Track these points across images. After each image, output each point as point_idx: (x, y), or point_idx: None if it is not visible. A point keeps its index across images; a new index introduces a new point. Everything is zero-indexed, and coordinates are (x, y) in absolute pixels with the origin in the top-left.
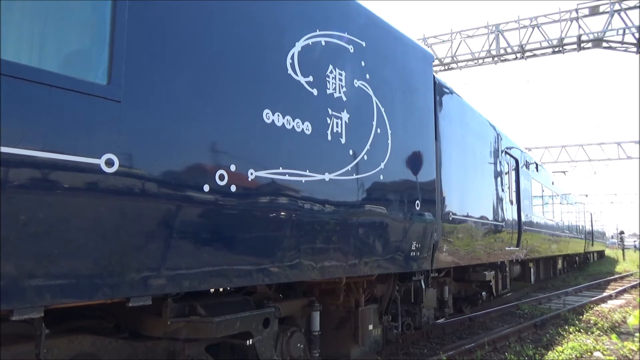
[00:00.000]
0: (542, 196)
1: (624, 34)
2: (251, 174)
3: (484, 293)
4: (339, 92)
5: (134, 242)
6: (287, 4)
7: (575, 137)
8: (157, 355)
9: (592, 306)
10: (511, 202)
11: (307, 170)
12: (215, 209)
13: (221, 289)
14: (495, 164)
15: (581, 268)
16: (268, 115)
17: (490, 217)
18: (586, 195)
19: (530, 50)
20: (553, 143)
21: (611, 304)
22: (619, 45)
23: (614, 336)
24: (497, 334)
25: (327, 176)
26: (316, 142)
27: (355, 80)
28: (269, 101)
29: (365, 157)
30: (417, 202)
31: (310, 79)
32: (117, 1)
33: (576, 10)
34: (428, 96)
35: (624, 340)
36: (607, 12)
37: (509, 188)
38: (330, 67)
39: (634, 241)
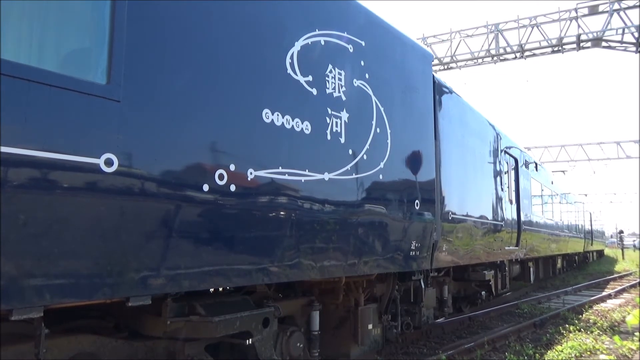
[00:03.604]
0: (541, 196)
1: (623, 33)
2: (250, 173)
3: (483, 292)
4: (339, 92)
5: (134, 241)
6: (286, 3)
7: (574, 136)
8: (156, 355)
9: (591, 305)
10: (510, 202)
11: (307, 170)
12: (215, 208)
13: (221, 289)
14: (494, 163)
15: (580, 267)
16: (267, 115)
17: (490, 216)
18: (585, 195)
19: (530, 50)
20: (552, 142)
21: (610, 303)
22: (618, 44)
23: (616, 338)
24: (497, 334)
25: (326, 176)
26: (315, 142)
27: (354, 80)
28: (269, 101)
29: (365, 157)
30: (417, 201)
31: (310, 78)
32: (117, 1)
33: (575, 10)
34: (427, 96)
35: (623, 339)
36: (607, 12)
37: (508, 187)
38: (330, 66)
39: (633, 240)
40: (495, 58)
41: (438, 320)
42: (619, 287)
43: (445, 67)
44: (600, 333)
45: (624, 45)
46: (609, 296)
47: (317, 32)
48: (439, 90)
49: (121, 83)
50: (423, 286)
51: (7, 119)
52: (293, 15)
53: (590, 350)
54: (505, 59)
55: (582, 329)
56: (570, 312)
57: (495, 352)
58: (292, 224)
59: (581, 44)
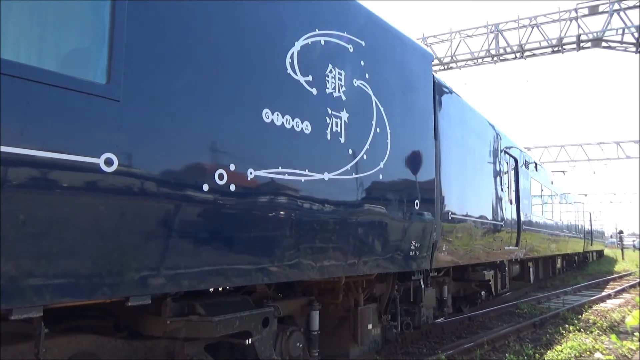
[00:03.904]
0: (541, 196)
1: (623, 33)
2: (250, 173)
3: (483, 292)
4: (339, 92)
5: (133, 241)
6: (286, 3)
7: (574, 136)
8: (156, 355)
9: (591, 305)
10: (510, 202)
11: (307, 170)
12: (215, 208)
13: (220, 289)
14: (494, 163)
15: (580, 267)
16: (267, 115)
17: (490, 216)
18: (585, 195)
19: (530, 50)
20: (552, 142)
21: (610, 303)
22: (618, 44)
23: (613, 336)
24: (496, 334)
25: (326, 175)
26: (315, 142)
27: (354, 80)
28: (269, 100)
29: (365, 157)
30: (417, 201)
31: (310, 78)
32: (117, 1)
33: (575, 10)
34: (427, 96)
35: (622, 339)
36: (607, 12)
37: (508, 187)
38: (330, 66)
39: (633, 240)
40: (495, 58)
41: (438, 320)
42: (619, 287)
43: (445, 67)
44: (600, 333)
45: (624, 45)
46: (609, 296)
47: (317, 32)
48: (439, 90)
49: (121, 82)
50: (423, 286)
51: (7, 119)
52: (293, 15)
53: (590, 350)
54: (505, 59)
55: (581, 329)
56: (570, 312)
57: (494, 352)
58: (291, 224)
59: (581, 44)
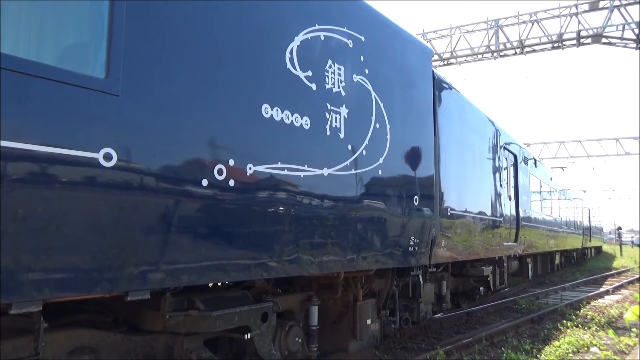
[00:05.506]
0: (540, 192)
1: (623, 29)
2: (250, 168)
3: (481, 288)
4: (338, 87)
5: (133, 236)
6: None
7: (573, 132)
8: (155, 350)
9: (589, 301)
10: (509, 198)
11: (306, 165)
12: (214, 203)
13: (219, 284)
14: (493, 159)
15: (578, 263)
16: (267, 110)
17: (489, 212)
18: (584, 191)
19: (530, 46)
20: (552, 139)
21: (608, 299)
22: (619, 41)
23: (610, 331)
24: (495, 329)
25: (325, 171)
26: (315, 137)
27: (354, 75)
28: (268, 96)
29: (364, 152)
30: (416, 197)
31: (309, 73)
32: None
33: (576, 6)
34: (427, 91)
35: (620, 335)
36: (607, 8)
37: (507, 184)
38: (330, 61)
39: (632, 237)
40: (495, 54)
41: (436, 315)
42: (617, 284)
43: (445, 62)
44: (598, 329)
45: (624, 41)
46: (607, 292)
47: (316, 27)
48: (438, 86)
49: (120, 77)
50: (421, 282)
51: (6, 113)
52: (293, 10)
53: (588, 345)
54: (505, 55)
55: (579, 325)
56: (568, 308)
57: (493, 347)
58: (291, 219)
59: (581, 40)
